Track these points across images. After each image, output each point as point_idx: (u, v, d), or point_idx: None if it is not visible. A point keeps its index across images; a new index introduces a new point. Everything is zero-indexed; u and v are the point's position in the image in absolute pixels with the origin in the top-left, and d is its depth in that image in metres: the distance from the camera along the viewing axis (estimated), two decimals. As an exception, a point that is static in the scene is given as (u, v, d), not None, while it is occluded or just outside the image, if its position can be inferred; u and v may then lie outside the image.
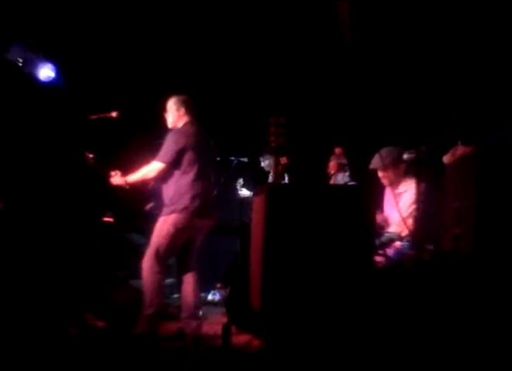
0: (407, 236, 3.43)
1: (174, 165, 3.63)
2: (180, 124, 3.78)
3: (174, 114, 3.79)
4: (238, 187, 4.95)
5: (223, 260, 5.30)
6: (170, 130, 3.77)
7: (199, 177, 3.65)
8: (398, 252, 3.43)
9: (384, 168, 3.61)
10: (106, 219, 3.92)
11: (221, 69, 5.24)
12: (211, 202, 3.76)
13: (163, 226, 3.59)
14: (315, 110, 5.12)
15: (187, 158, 3.62)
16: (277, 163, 3.09)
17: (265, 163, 4.44)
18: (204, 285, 5.29)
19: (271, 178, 3.17)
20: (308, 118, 5.06)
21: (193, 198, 3.61)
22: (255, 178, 4.87)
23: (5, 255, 3.03)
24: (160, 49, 4.98)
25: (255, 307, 2.63)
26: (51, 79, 4.23)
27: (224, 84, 5.33)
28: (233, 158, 4.72)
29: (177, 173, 3.65)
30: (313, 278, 2.50)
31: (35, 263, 3.32)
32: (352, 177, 4.29)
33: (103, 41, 4.62)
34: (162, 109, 3.85)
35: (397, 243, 3.51)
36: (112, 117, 3.79)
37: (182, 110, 3.78)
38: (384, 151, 3.60)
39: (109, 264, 4.12)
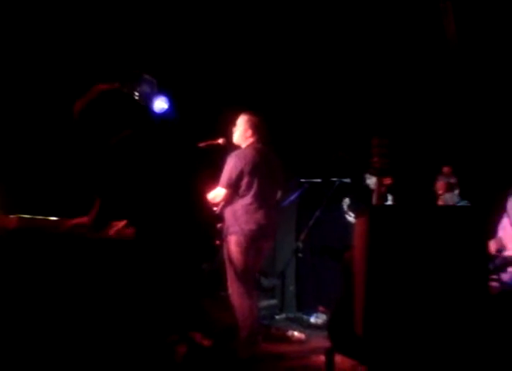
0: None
1: (234, 188, 3.70)
2: (244, 145, 3.84)
3: (241, 134, 3.85)
4: (345, 207, 4.87)
5: (325, 283, 5.24)
6: (235, 146, 3.85)
7: (255, 201, 3.68)
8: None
9: None
10: (217, 242, 4.05)
11: (325, 91, 5.26)
12: (269, 226, 3.75)
13: (229, 248, 3.69)
14: (421, 128, 4.94)
15: (244, 182, 3.68)
16: (380, 184, 3.02)
17: (371, 180, 4.34)
18: (307, 308, 5.28)
19: (373, 200, 3.08)
20: (413, 137, 4.89)
21: (247, 222, 3.65)
22: (360, 199, 4.76)
23: (128, 277, 3.23)
24: (262, 76, 5.10)
25: (359, 333, 2.56)
26: (164, 110, 4.47)
27: (327, 106, 5.34)
28: (335, 179, 4.69)
29: (234, 196, 3.72)
30: (421, 305, 2.37)
31: (149, 281, 3.51)
32: (463, 197, 4.07)
33: (208, 72, 4.85)
34: (232, 123, 3.90)
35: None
36: (219, 144, 3.92)
37: (250, 132, 3.82)
38: None
39: (213, 284, 4.24)
